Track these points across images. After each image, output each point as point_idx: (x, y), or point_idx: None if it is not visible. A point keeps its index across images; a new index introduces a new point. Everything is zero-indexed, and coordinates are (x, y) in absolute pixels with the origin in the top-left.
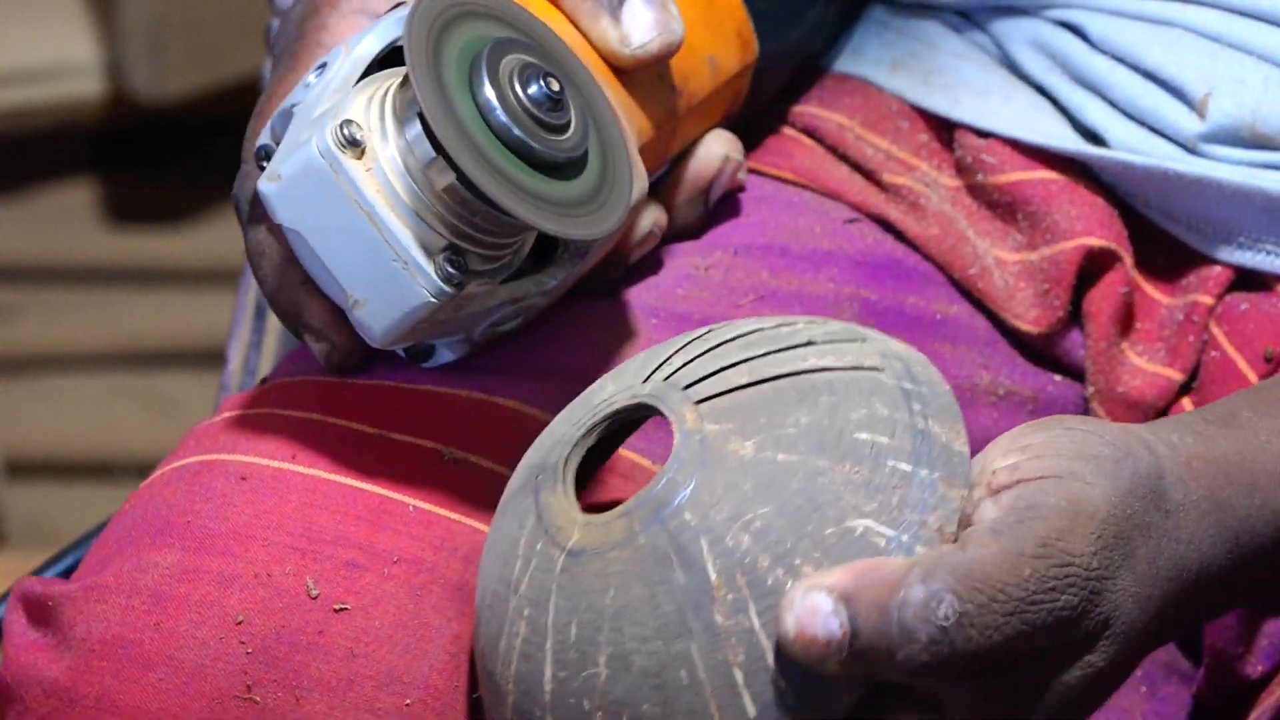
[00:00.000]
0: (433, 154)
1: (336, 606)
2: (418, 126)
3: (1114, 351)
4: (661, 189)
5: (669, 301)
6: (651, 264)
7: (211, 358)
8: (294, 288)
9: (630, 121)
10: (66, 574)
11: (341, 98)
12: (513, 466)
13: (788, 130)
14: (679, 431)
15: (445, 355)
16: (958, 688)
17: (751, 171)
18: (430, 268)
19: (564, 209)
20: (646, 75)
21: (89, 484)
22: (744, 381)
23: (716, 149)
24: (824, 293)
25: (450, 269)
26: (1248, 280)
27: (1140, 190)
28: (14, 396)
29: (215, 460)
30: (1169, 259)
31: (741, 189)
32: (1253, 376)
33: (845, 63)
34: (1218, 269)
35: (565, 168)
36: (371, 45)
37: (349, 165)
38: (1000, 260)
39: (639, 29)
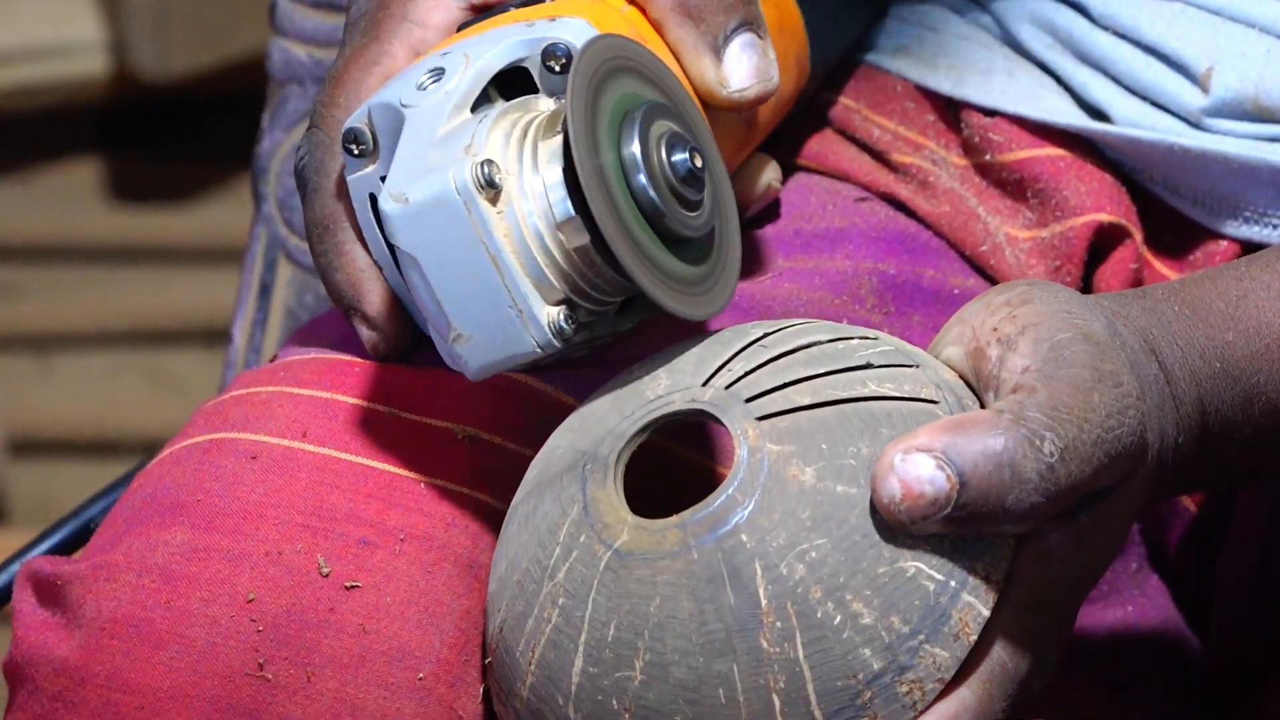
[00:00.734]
0: (571, 212)
1: (348, 584)
2: (558, 177)
3: None
4: None
5: None
6: None
7: (216, 336)
8: (357, 271)
9: None
10: (65, 546)
11: (472, 125)
12: (526, 443)
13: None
14: (741, 449)
15: None
16: (1050, 538)
17: None
18: (544, 320)
19: (680, 284)
20: (732, 114)
21: (93, 462)
22: (806, 402)
23: (762, 177)
24: (842, 269)
25: (563, 323)
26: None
27: (1145, 165)
28: (19, 374)
29: (225, 439)
30: (1175, 234)
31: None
32: None
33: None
34: (1224, 243)
35: (685, 243)
36: (494, 62)
37: (484, 207)
38: (1011, 237)
39: (739, 74)
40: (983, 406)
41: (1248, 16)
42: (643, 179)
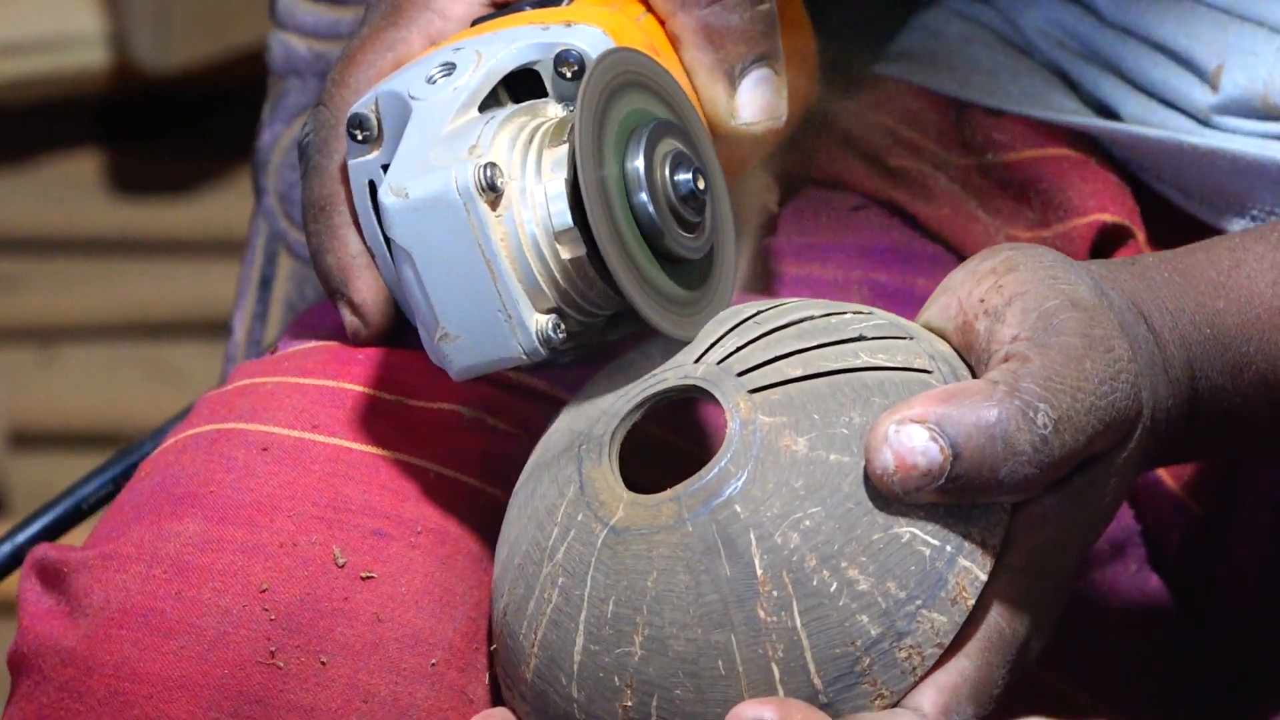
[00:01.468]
0: (569, 223)
1: (363, 574)
2: (560, 188)
3: None
4: None
5: None
6: None
7: (216, 328)
8: (348, 256)
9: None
10: (58, 525)
11: (478, 125)
12: (528, 428)
13: None
14: (733, 421)
15: None
16: (1046, 502)
17: None
18: (533, 327)
19: (672, 304)
20: (738, 141)
21: (94, 454)
22: (798, 374)
23: (759, 198)
24: (833, 276)
25: (551, 332)
26: None
27: (1153, 164)
28: (19, 367)
29: (234, 429)
30: (1181, 233)
31: None
32: None
33: None
34: None
35: (681, 263)
36: (506, 63)
37: (483, 211)
38: (1012, 238)
39: (750, 107)
40: (975, 378)
41: (1257, 15)
42: (644, 196)
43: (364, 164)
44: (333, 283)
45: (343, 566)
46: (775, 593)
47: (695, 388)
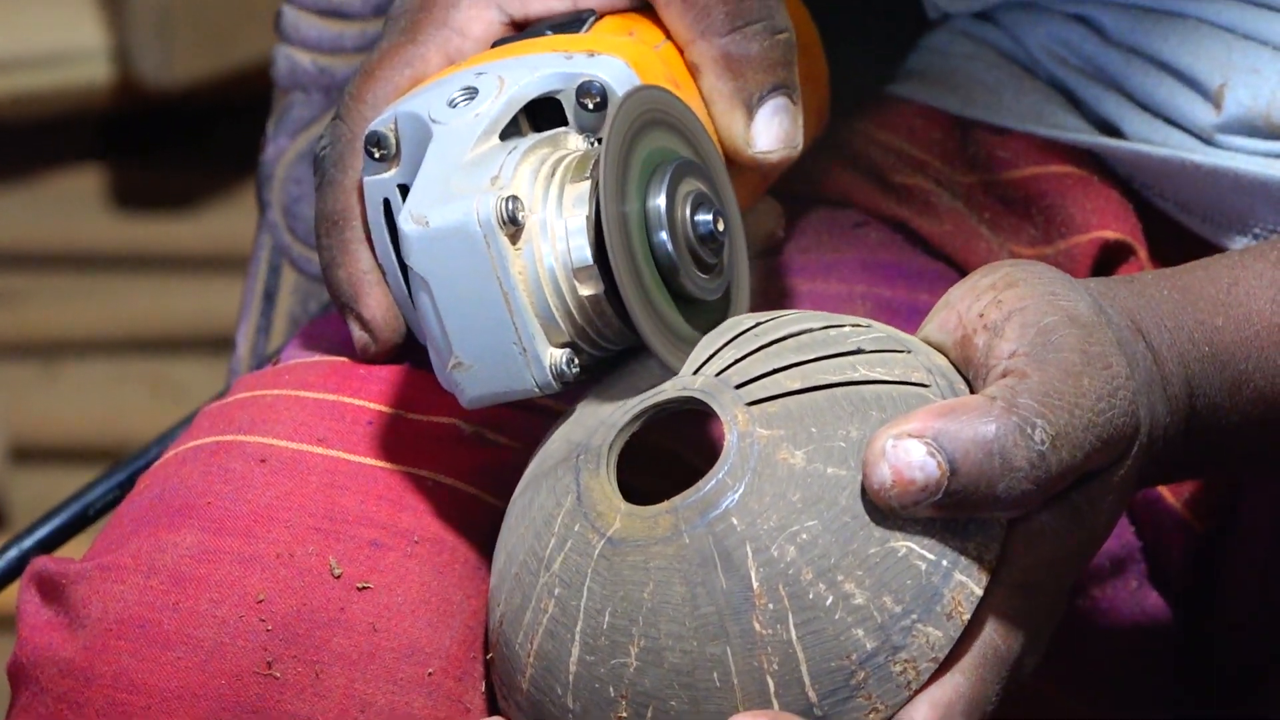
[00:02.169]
0: (589, 260)
1: (359, 585)
2: (581, 224)
3: None
4: None
5: None
6: None
7: (219, 343)
8: (359, 272)
9: None
10: (61, 534)
11: (500, 155)
12: (527, 442)
13: None
14: (730, 433)
15: None
16: (1042, 517)
17: None
18: (547, 361)
19: (686, 345)
20: (753, 169)
21: (95, 470)
22: (796, 387)
23: (766, 224)
24: (836, 292)
25: (564, 366)
26: None
27: (1155, 181)
28: (21, 382)
29: (233, 441)
30: (1182, 251)
31: None
32: None
33: None
34: None
35: (695, 304)
36: (529, 91)
37: (503, 243)
38: (1015, 255)
39: (767, 137)
40: (973, 392)
41: (1260, 34)
42: (664, 235)
43: (380, 182)
44: (343, 297)
45: (339, 577)
46: (771, 605)
47: (693, 399)
